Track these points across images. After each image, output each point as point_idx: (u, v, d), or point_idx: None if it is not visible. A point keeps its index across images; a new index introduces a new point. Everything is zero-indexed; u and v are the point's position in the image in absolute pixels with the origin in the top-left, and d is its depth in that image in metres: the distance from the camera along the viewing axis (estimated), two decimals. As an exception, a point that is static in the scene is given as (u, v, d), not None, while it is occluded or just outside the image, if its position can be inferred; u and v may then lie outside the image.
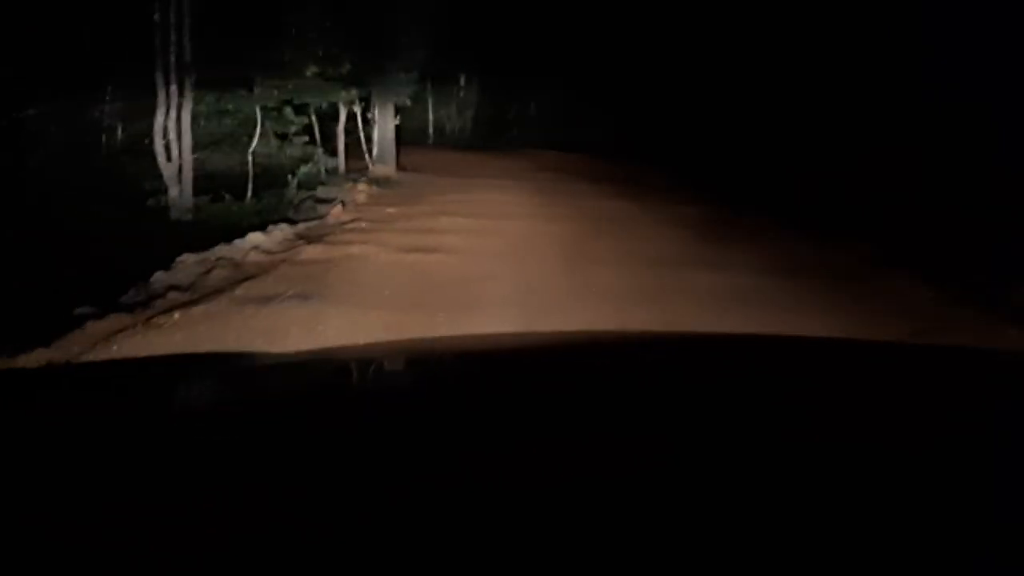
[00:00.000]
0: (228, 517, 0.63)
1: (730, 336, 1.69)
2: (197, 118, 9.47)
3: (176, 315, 4.20)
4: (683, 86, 17.16)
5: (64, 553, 0.58)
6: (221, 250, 6.47)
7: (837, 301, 5.28)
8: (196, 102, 9.27)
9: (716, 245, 7.22)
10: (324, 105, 11.97)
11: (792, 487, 0.69)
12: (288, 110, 11.23)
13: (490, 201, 9.80)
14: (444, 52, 16.02)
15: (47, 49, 8.45)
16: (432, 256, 6.34)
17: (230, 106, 10.19)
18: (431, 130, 21.71)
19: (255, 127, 10.43)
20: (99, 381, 1.25)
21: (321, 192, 10.43)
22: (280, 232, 7.51)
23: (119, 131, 10.56)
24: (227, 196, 9.44)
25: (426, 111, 21.23)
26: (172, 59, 8.74)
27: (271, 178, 10.56)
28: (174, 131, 8.95)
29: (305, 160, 11.46)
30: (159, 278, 5.47)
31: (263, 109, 10.50)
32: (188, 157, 9.10)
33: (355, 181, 11.72)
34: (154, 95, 8.81)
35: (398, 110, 14.31)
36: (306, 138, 11.98)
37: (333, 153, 12.69)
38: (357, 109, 13.16)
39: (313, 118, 11.95)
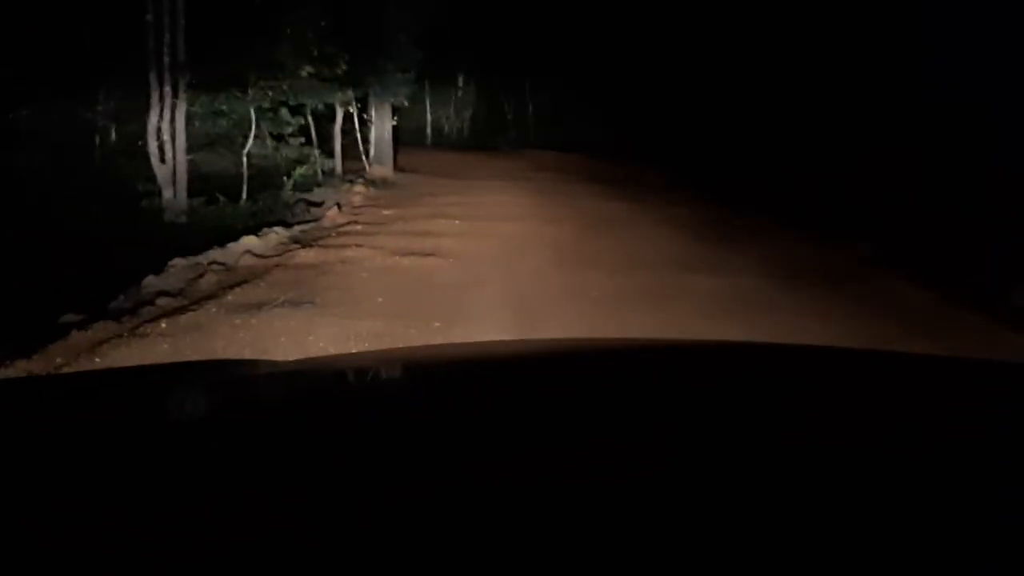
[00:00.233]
0: (225, 524, 0.63)
1: (727, 344, 1.67)
2: (191, 119, 9.36)
3: (163, 323, 4.10)
4: (682, 86, 17.10)
5: (58, 563, 0.58)
6: (213, 254, 6.38)
7: (838, 305, 5.23)
8: (190, 103, 9.17)
9: (715, 247, 7.16)
10: (321, 106, 11.87)
11: (789, 494, 0.69)
12: (284, 111, 11.12)
13: (488, 203, 9.72)
14: (442, 52, 15.95)
15: (39, 49, 8.35)
16: (428, 260, 6.25)
17: (224, 107, 10.08)
18: (429, 130, 21.64)
19: (250, 128, 10.32)
20: (76, 392, 1.22)
21: (315, 194, 10.34)
22: (274, 235, 7.42)
23: (113, 132, 10.46)
24: (222, 198, 9.33)
25: (424, 111, 21.15)
26: (166, 59, 8.64)
27: (267, 179, 10.47)
28: (168, 132, 8.84)
29: (301, 161, 11.36)
30: (150, 283, 5.37)
31: (259, 110, 10.39)
32: (182, 158, 9.00)
33: (352, 182, 11.64)
34: (148, 96, 8.71)
35: (396, 110, 14.23)
36: (302, 139, 11.88)
37: (330, 154, 12.60)
38: (354, 110, 13.06)
39: (309, 119, 11.85)
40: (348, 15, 11.81)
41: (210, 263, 6.10)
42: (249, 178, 9.89)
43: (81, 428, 0.91)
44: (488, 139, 20.95)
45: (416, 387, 1.20)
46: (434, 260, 6.26)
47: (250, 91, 9.87)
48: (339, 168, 12.64)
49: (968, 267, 6.24)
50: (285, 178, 10.39)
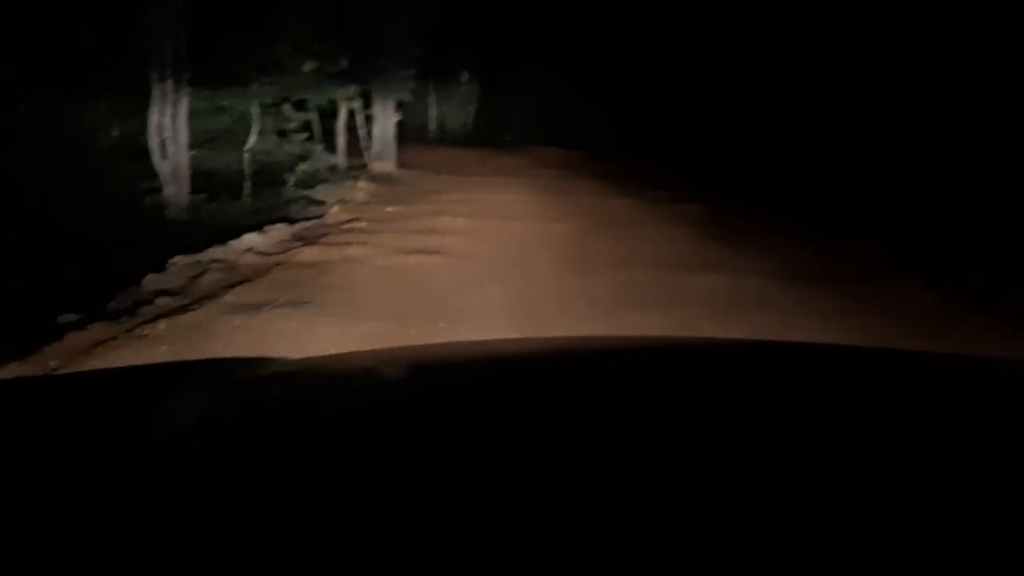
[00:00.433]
0: (226, 524, 0.64)
1: (730, 341, 1.71)
2: (193, 115, 9.30)
3: (162, 324, 4.04)
4: (685, 84, 17.04)
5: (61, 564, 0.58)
6: (215, 252, 6.32)
7: (841, 304, 5.20)
8: (191, 99, 9.10)
9: (718, 246, 7.13)
10: (324, 101, 11.81)
11: (792, 494, 0.69)
12: (287, 107, 11.06)
13: (491, 200, 9.66)
14: (445, 49, 15.89)
15: (38, 47, 8.29)
16: (431, 259, 6.19)
17: (226, 103, 10.01)
18: (432, 127, 21.57)
19: (252, 124, 10.26)
20: (77, 392, 1.23)
21: (318, 191, 10.28)
22: (277, 232, 7.36)
23: (114, 129, 10.39)
24: (224, 195, 9.27)
25: (427, 108, 21.08)
26: (167, 55, 8.57)
27: (270, 176, 10.41)
28: (170, 128, 8.79)
29: (304, 157, 11.30)
30: (150, 281, 5.32)
31: (261, 106, 10.33)
32: (184, 155, 8.94)
33: (355, 179, 11.58)
34: (149, 92, 8.64)
35: (399, 107, 14.16)
36: (306, 135, 11.82)
37: (333, 150, 12.55)
38: (357, 106, 13.00)
39: (312, 115, 11.78)
40: (349, 12, 11.75)
41: (211, 261, 6.04)
42: (252, 174, 9.83)
43: (81, 429, 0.91)
44: (491, 136, 20.88)
45: (418, 386, 1.19)
46: (437, 259, 6.20)
47: (252, 87, 9.80)
48: (343, 164, 12.58)
49: (970, 267, 6.20)
50: (288, 174, 10.33)
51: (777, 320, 4.66)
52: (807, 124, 13.47)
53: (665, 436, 0.84)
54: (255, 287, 5.08)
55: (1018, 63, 10.26)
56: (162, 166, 8.76)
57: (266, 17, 9.69)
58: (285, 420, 0.94)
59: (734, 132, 14.82)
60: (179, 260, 5.88)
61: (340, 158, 12.62)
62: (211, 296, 4.80)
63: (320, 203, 9.46)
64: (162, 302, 4.67)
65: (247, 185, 9.70)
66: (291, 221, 8.15)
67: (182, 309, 4.45)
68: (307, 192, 10.11)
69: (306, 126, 11.71)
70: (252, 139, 10.23)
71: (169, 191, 8.80)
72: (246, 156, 10.00)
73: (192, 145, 9.18)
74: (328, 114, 12.43)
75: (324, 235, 7.28)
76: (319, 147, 11.93)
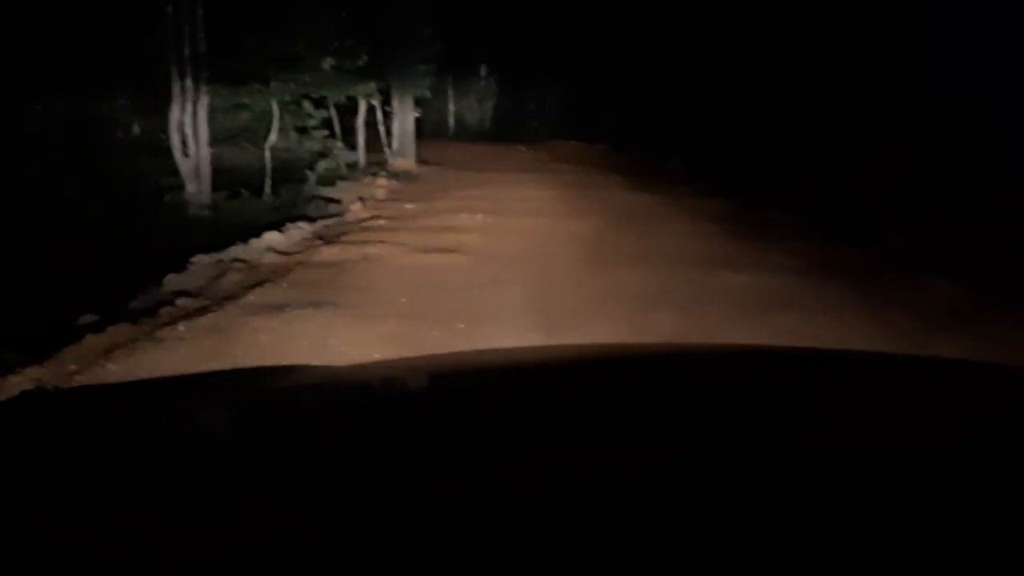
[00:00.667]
0: (246, 525, 0.66)
1: (752, 348, 1.72)
2: (213, 112, 9.31)
3: (181, 327, 4.02)
4: (704, 79, 16.90)
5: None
6: (236, 251, 6.32)
7: (868, 303, 5.12)
8: (211, 96, 9.11)
9: (740, 242, 7.07)
10: (343, 98, 11.80)
11: (804, 500, 0.70)
12: (307, 103, 11.06)
13: (510, 196, 9.62)
14: (464, 45, 15.85)
15: (58, 45, 8.32)
16: (451, 257, 6.16)
17: (246, 100, 10.02)
18: (451, 122, 21.55)
19: (272, 121, 10.27)
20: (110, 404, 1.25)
21: (338, 187, 10.28)
22: (297, 231, 7.36)
23: (135, 127, 10.44)
24: (245, 192, 9.29)
25: (446, 104, 21.07)
26: (187, 52, 8.58)
27: (289, 172, 10.42)
28: (190, 126, 8.79)
29: (324, 154, 11.30)
30: (171, 281, 5.32)
31: (281, 103, 10.33)
32: (205, 152, 8.95)
33: (374, 175, 11.58)
34: (169, 90, 8.66)
35: (418, 103, 14.14)
36: (325, 132, 11.82)
37: (353, 147, 12.54)
38: (376, 102, 12.98)
39: (332, 111, 11.77)
40: (368, 7, 11.72)
41: (232, 260, 6.04)
42: (272, 171, 9.83)
43: (110, 441, 0.93)
44: (510, 131, 20.85)
45: (441, 397, 1.20)
46: (457, 257, 6.17)
47: (271, 84, 9.80)
48: (362, 161, 12.58)
49: (994, 264, 6.10)
50: (308, 171, 10.33)
51: (806, 322, 4.58)
52: (820, 121, 13.39)
53: (676, 444, 0.85)
54: (276, 287, 5.07)
55: (1018, 63, 10.14)
56: (183, 164, 8.78)
57: (285, 14, 9.68)
58: (308, 432, 0.95)
59: (756, 126, 14.69)
60: (200, 259, 5.87)
61: (359, 155, 12.61)
62: (232, 297, 4.79)
63: (340, 200, 9.46)
64: (182, 303, 4.67)
65: (268, 182, 9.70)
66: (311, 219, 8.14)
67: (202, 310, 4.44)
68: (327, 189, 10.10)
69: (326, 123, 11.69)
70: (272, 136, 10.24)
71: (191, 189, 8.81)
72: (267, 153, 10.00)
73: (212, 143, 9.19)
74: (347, 111, 12.42)
75: (344, 233, 7.27)
76: (339, 144, 11.92)
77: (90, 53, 8.48)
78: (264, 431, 0.98)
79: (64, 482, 0.77)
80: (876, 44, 12.56)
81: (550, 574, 0.58)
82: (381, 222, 7.86)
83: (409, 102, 13.96)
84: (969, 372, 1.27)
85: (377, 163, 12.81)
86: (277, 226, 7.29)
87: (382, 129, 13.48)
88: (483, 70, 22.09)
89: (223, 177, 9.35)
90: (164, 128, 8.95)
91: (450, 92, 20.95)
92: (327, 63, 10.21)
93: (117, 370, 3.33)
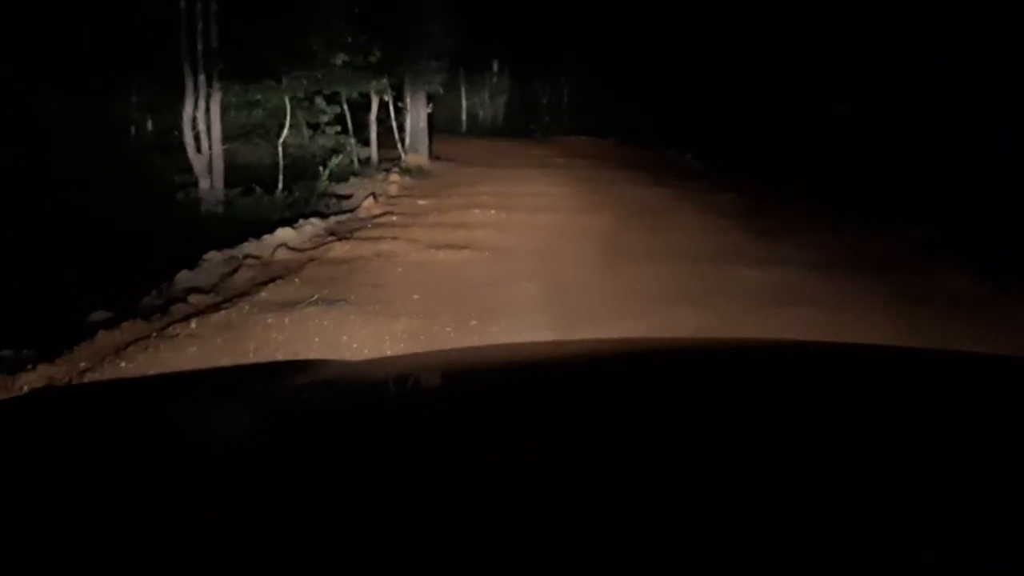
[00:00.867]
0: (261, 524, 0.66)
1: (768, 342, 1.72)
2: (226, 109, 9.32)
3: (193, 324, 4.00)
4: (712, 75, 16.81)
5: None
6: (248, 247, 6.31)
7: (886, 297, 5.07)
8: (224, 93, 9.10)
9: (756, 236, 7.01)
10: (356, 94, 11.77)
11: (813, 497, 0.69)
12: (319, 100, 11.04)
13: (523, 191, 9.57)
14: (476, 40, 15.82)
15: (70, 43, 8.34)
16: (463, 253, 6.13)
17: (259, 96, 10.01)
18: (464, 118, 21.52)
19: (285, 117, 10.26)
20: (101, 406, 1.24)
21: (351, 184, 10.27)
22: (310, 227, 7.34)
23: (148, 124, 10.46)
24: (258, 188, 9.29)
25: (459, 99, 21.03)
26: (199, 48, 8.57)
27: (302, 169, 10.42)
28: (203, 122, 8.79)
29: (337, 150, 11.29)
30: (183, 278, 5.31)
31: (293, 99, 10.32)
32: (218, 149, 8.95)
33: (387, 171, 11.55)
34: (182, 86, 8.66)
35: (431, 98, 14.10)
36: (338, 128, 11.81)
37: (365, 143, 12.52)
38: (389, 98, 12.96)
39: (345, 108, 11.76)
40: (381, 3, 11.69)
41: (245, 257, 6.03)
42: (285, 168, 9.83)
43: (125, 436, 0.94)
44: (522, 126, 20.81)
45: (454, 392, 1.20)
46: (470, 253, 6.14)
47: (284, 80, 9.79)
48: (375, 157, 12.56)
49: (1009, 256, 6.03)
50: (321, 167, 10.32)
51: (817, 313, 4.55)
52: (828, 117, 13.35)
53: (691, 439, 0.85)
54: (288, 284, 5.05)
55: (1018, 63, 10.03)
56: (196, 160, 8.77)
57: (298, 10, 9.66)
58: (322, 427, 0.95)
59: (762, 122, 14.61)
60: (213, 256, 5.87)
61: (372, 151, 12.59)
62: (244, 294, 4.77)
63: (353, 197, 9.45)
64: (195, 299, 4.65)
65: (280, 179, 9.70)
66: (324, 215, 8.13)
67: (215, 307, 4.42)
68: (339, 185, 10.09)
69: (338, 119, 11.68)
70: (285, 132, 10.23)
71: (203, 185, 8.81)
72: (279, 150, 10.00)
73: (225, 139, 9.19)
74: (360, 107, 12.39)
75: (356, 230, 7.25)
76: (351, 140, 11.90)
77: (103, 50, 8.49)
78: (278, 426, 0.98)
79: (75, 478, 0.77)
80: (877, 44, 12.52)
81: (565, 566, 0.59)
82: (394, 218, 7.84)
83: (422, 98, 13.92)
84: (990, 366, 1.26)
85: (390, 159, 12.79)
86: (290, 222, 7.28)
87: (395, 125, 13.45)
88: (495, 66, 22.03)
89: (236, 174, 9.35)
90: (177, 125, 8.96)
91: (463, 88, 20.90)
92: (340, 59, 10.18)
93: (128, 367, 3.31)
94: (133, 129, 10.44)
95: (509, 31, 19.56)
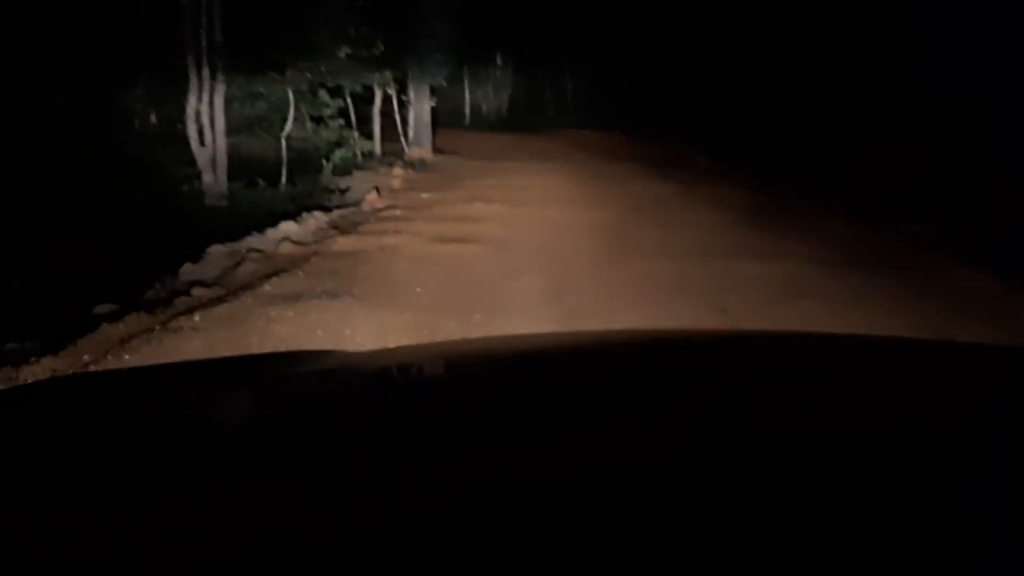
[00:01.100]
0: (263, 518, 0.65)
1: (773, 334, 1.72)
2: (230, 102, 9.29)
3: (197, 317, 3.99)
4: (718, 70, 16.78)
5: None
6: (252, 241, 6.29)
7: (894, 292, 5.07)
8: (228, 85, 9.08)
9: (762, 231, 6.99)
10: (359, 87, 11.75)
11: (815, 489, 0.69)
12: (323, 93, 11.01)
13: (528, 185, 9.55)
14: (480, 33, 15.77)
15: (73, 36, 8.32)
16: (467, 247, 6.11)
17: (262, 89, 9.99)
18: (468, 111, 21.46)
19: (288, 110, 10.23)
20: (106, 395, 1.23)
21: (354, 177, 10.24)
22: (314, 220, 7.33)
23: (151, 118, 10.44)
24: (261, 181, 9.27)
25: (463, 92, 20.97)
26: (203, 41, 8.55)
27: (306, 162, 10.40)
28: (207, 115, 8.77)
29: (340, 143, 11.26)
30: (187, 271, 5.30)
31: (297, 92, 10.30)
32: (222, 142, 8.93)
33: (391, 165, 11.53)
34: (186, 79, 8.64)
35: (434, 91, 14.06)
36: (341, 121, 11.78)
37: (369, 136, 12.49)
38: (392, 91, 12.93)
39: (348, 101, 11.73)
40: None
41: (248, 250, 6.01)
42: (288, 161, 9.81)
43: (126, 426, 0.93)
44: (527, 119, 20.73)
45: (457, 383, 1.20)
46: (473, 247, 6.12)
47: (287, 73, 9.76)
48: (378, 150, 12.54)
49: (1017, 253, 6.01)
50: (324, 160, 10.30)
51: (824, 308, 4.55)
52: (833, 113, 13.36)
53: (694, 430, 0.85)
54: (292, 277, 5.04)
55: (1018, 63, 10.02)
56: (200, 153, 8.76)
57: (302, 3, 9.63)
58: (325, 417, 0.95)
59: (769, 117, 14.59)
60: (216, 249, 5.85)
61: (375, 144, 12.57)
62: (247, 287, 4.76)
63: (356, 190, 9.42)
64: (198, 292, 4.65)
65: (284, 172, 9.68)
66: (327, 208, 8.12)
67: (218, 300, 4.41)
68: (343, 179, 10.07)
69: (342, 112, 11.65)
70: (288, 125, 10.21)
71: (207, 178, 8.79)
72: (283, 143, 9.98)
73: (229, 132, 9.17)
74: (363, 100, 12.36)
75: (360, 223, 7.24)
76: (355, 133, 11.87)
77: (105, 46, 8.47)
78: (281, 414, 0.98)
79: (77, 465, 0.77)
80: (877, 44, 12.53)
81: (567, 556, 0.59)
82: (397, 212, 7.82)
83: (425, 91, 13.89)
84: (996, 357, 1.26)
85: (393, 152, 12.76)
86: (293, 216, 7.27)
87: (398, 118, 13.42)
88: (499, 59, 21.96)
89: (239, 167, 9.34)
90: (181, 118, 8.94)
91: (466, 81, 20.84)
92: (343, 52, 10.15)
93: (132, 360, 3.31)
94: (136, 123, 10.42)
95: (513, 24, 19.49)
